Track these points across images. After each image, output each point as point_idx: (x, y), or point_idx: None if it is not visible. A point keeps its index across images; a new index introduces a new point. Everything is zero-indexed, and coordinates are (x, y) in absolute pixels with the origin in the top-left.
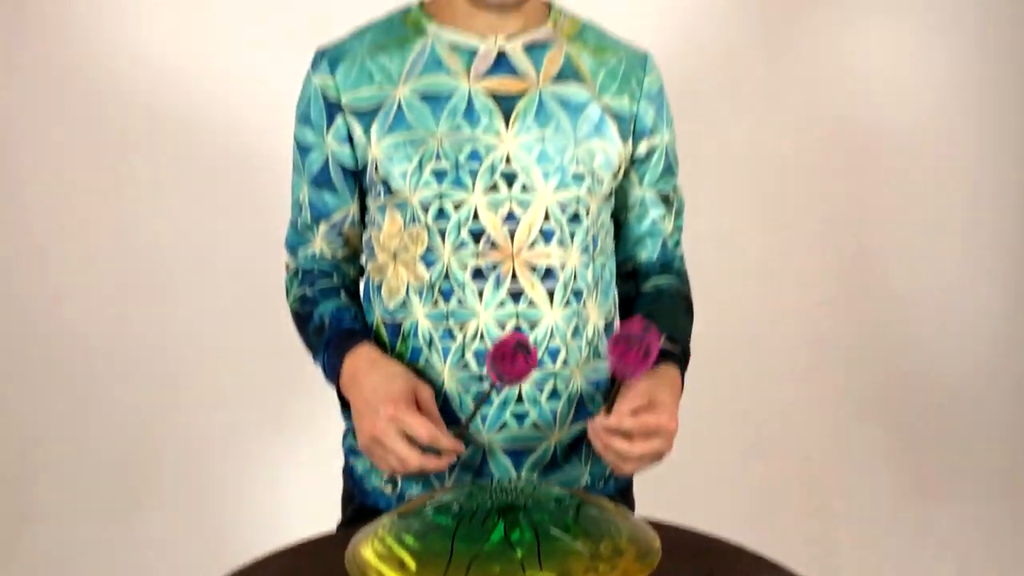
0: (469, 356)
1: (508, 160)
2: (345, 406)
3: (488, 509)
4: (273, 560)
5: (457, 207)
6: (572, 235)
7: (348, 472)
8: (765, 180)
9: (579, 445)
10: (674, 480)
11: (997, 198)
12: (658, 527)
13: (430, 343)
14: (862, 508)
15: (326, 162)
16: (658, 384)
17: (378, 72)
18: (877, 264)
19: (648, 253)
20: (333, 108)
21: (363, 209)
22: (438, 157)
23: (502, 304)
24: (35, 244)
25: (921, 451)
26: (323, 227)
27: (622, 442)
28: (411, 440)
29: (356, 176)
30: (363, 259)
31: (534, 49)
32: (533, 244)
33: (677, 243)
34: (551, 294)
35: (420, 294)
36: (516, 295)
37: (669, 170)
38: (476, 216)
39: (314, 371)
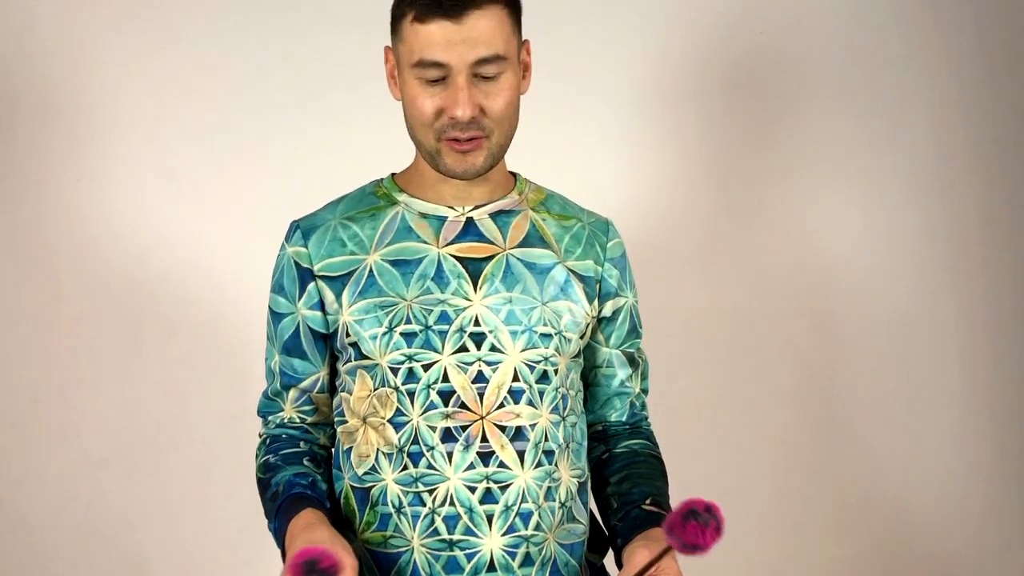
0: (439, 522)
1: (477, 321)
2: None
3: None
4: None
5: (427, 368)
6: (541, 394)
7: None
8: (730, 342)
9: None
10: None
11: (967, 356)
12: None
13: (399, 509)
14: None
15: (297, 328)
16: (657, 546)
17: (350, 240)
18: (849, 425)
19: (617, 414)
20: (305, 275)
21: (333, 375)
22: (408, 320)
23: (472, 466)
24: (5, 417)
25: None
26: (293, 393)
27: None
28: None
29: (327, 341)
30: (335, 424)
31: (500, 216)
32: (502, 404)
33: (643, 404)
34: (521, 455)
35: (389, 458)
36: (486, 457)
37: (634, 331)
38: (445, 377)
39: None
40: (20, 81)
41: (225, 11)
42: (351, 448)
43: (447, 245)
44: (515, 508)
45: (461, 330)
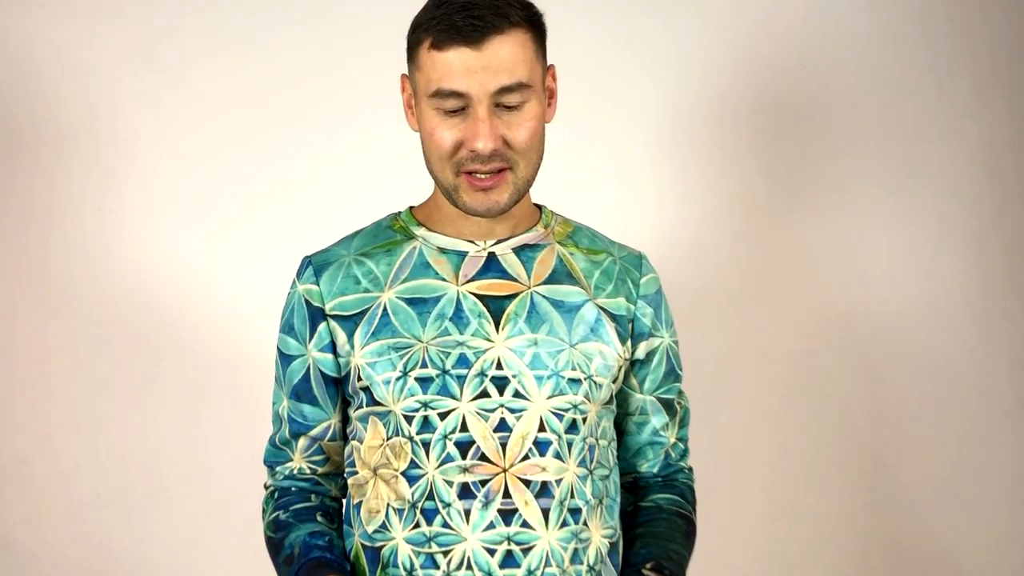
0: None
1: (499, 365)
2: None
3: None
4: None
5: (443, 417)
6: (569, 445)
7: None
8: (765, 388)
9: None
10: None
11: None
12: None
13: (411, 572)
14: None
15: (307, 371)
16: None
17: (364, 277)
18: (893, 480)
19: (649, 465)
20: (316, 315)
21: (345, 422)
22: (424, 364)
23: (491, 525)
24: (17, 451)
25: None
26: (302, 442)
27: None
28: None
29: (338, 386)
30: (345, 475)
31: (524, 251)
32: (527, 456)
33: (683, 454)
34: (546, 513)
35: (400, 514)
36: (508, 515)
37: (671, 374)
38: (464, 426)
39: None
40: (39, 114)
41: (249, 40)
42: (361, 502)
43: (467, 282)
44: (538, 573)
45: (482, 374)
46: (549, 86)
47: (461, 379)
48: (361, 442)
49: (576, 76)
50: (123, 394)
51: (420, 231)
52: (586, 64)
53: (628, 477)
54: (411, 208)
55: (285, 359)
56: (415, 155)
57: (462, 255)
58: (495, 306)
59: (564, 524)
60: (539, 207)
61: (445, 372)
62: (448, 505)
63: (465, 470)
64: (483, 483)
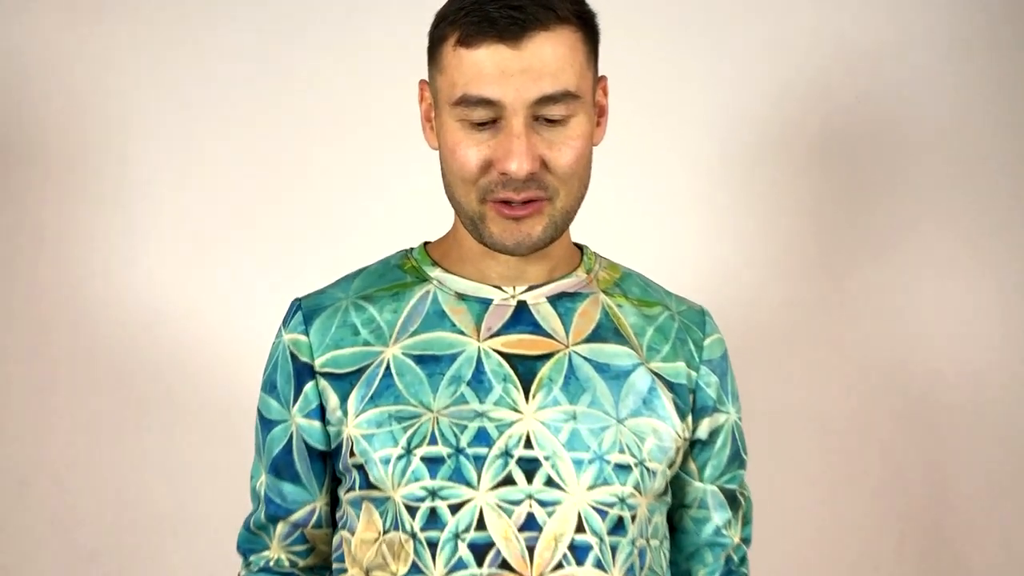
0: None
1: (528, 443)
2: None
3: None
4: None
5: (455, 510)
6: (614, 551)
7: None
8: (819, 447)
9: None
10: None
11: None
12: None
13: None
14: None
15: (289, 441)
16: None
17: (364, 326)
18: (954, 552)
19: (707, 570)
20: (303, 371)
21: (335, 505)
22: (433, 439)
23: None
24: (12, 480)
25: None
26: (281, 528)
27: None
28: None
29: (326, 461)
30: (332, 570)
31: (562, 301)
32: (560, 565)
33: (743, 559)
34: None
35: None
36: None
37: (736, 459)
38: (481, 523)
39: None
40: (32, 135)
41: (250, 73)
42: None
43: (491, 337)
44: None
45: (506, 454)
46: (599, 101)
47: (479, 461)
48: (352, 533)
49: (620, 96)
50: (107, 440)
51: (435, 272)
52: (630, 84)
53: None
54: (425, 244)
55: (265, 424)
56: (435, 182)
57: (485, 303)
58: (524, 368)
59: None
60: (580, 247)
61: (459, 451)
62: None
63: None
64: None
